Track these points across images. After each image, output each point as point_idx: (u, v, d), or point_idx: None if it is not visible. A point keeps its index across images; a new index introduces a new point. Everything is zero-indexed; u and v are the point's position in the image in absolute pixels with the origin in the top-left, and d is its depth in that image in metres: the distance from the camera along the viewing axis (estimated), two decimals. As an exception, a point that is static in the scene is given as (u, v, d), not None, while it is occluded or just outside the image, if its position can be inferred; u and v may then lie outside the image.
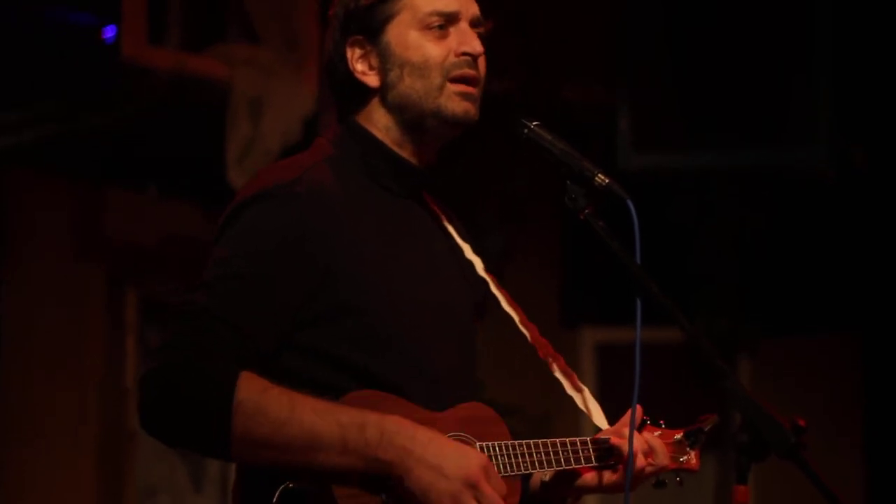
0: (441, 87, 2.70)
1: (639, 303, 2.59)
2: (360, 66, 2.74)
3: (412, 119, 2.73)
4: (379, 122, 2.75)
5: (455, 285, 2.80)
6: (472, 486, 2.50)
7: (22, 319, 6.59)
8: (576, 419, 6.72)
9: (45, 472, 6.57)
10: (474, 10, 2.77)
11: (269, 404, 2.46)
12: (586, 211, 2.65)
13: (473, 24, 2.76)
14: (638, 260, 2.58)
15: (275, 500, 2.49)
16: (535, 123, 2.73)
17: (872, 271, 7.48)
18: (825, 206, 7.34)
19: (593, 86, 7.18)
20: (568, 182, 2.68)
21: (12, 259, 6.59)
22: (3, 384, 6.53)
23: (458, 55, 2.71)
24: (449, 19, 2.73)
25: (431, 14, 2.72)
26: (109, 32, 5.88)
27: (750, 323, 7.61)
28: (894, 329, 7.54)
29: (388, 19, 2.72)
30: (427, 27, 2.72)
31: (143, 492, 7.03)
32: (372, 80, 2.74)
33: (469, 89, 2.72)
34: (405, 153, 2.76)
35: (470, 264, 2.86)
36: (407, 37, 2.71)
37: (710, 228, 7.39)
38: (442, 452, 2.49)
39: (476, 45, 2.73)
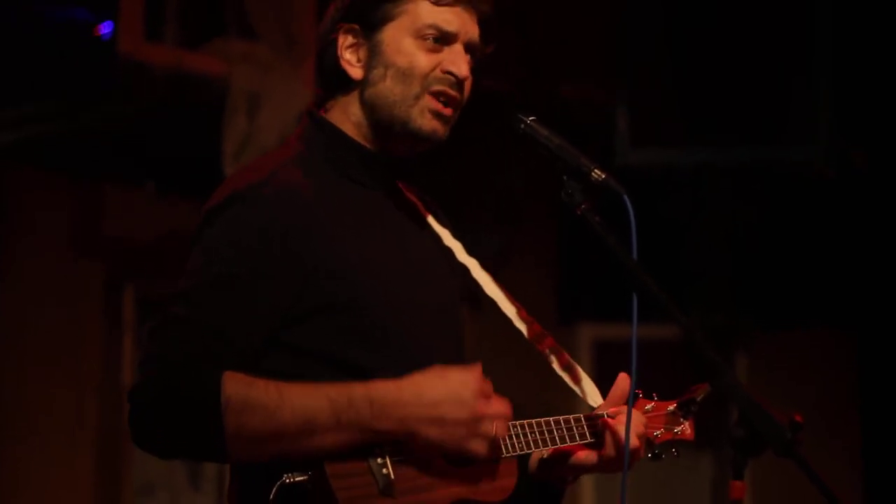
0: (418, 97, 2.71)
1: (635, 299, 2.59)
2: (347, 55, 2.75)
3: (381, 120, 2.73)
4: (353, 115, 2.75)
5: (437, 274, 2.80)
6: (479, 418, 2.52)
7: (19, 317, 6.58)
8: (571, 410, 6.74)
9: (41, 471, 6.56)
10: (473, 35, 2.77)
11: (257, 395, 2.46)
12: (583, 206, 2.66)
13: (469, 48, 2.76)
14: (634, 255, 2.58)
15: (271, 497, 2.49)
16: (531, 119, 2.74)
17: (867, 266, 7.49)
18: (821, 202, 7.34)
19: (592, 84, 7.17)
20: (564, 177, 2.68)
21: (10, 257, 6.58)
22: (0, 382, 6.52)
23: (443, 72, 2.72)
24: (445, 37, 2.73)
25: (430, 26, 2.72)
26: (106, 28, 5.87)
27: (745, 318, 7.62)
28: (889, 324, 7.54)
29: (387, 19, 2.73)
30: (422, 37, 2.72)
31: (140, 489, 7.02)
32: (356, 71, 2.74)
33: (444, 110, 2.72)
34: (373, 148, 2.75)
35: (449, 251, 2.86)
36: (401, 41, 2.72)
37: (707, 224, 7.39)
38: (434, 401, 2.51)
39: (463, 69, 2.73)
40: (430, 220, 2.87)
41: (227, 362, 2.49)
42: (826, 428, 7.26)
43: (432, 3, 2.72)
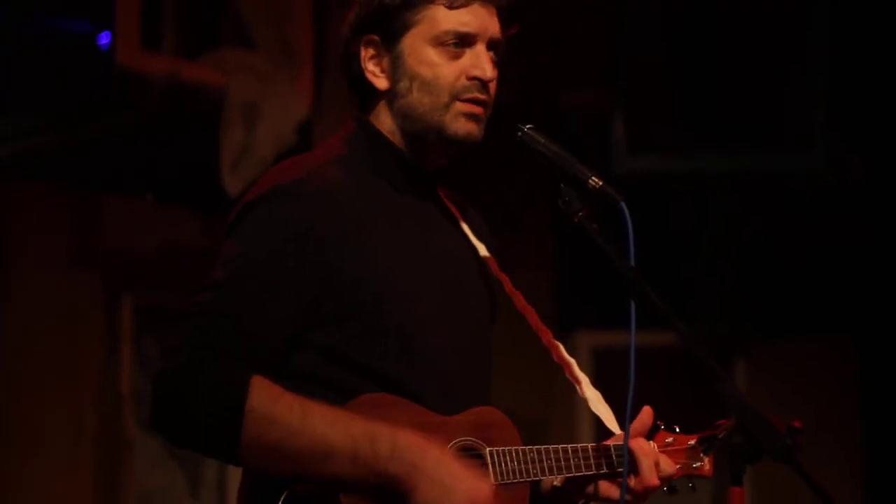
0: (448, 105, 2.70)
1: (632, 306, 2.58)
2: (371, 66, 2.75)
3: (415, 130, 2.73)
4: (385, 124, 2.76)
5: (470, 284, 2.80)
6: None
7: (18, 328, 6.58)
8: (572, 426, 6.72)
9: (41, 481, 6.55)
10: (494, 30, 2.76)
11: (281, 412, 2.46)
12: (580, 214, 2.65)
13: (491, 45, 2.75)
14: (632, 263, 2.58)
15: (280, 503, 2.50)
16: (528, 127, 2.73)
17: (869, 274, 7.48)
18: (821, 209, 7.35)
19: (589, 92, 7.17)
20: (561, 185, 2.67)
21: (8, 268, 6.58)
22: None
23: (468, 78, 2.71)
24: (465, 40, 2.72)
25: (448, 32, 2.71)
26: (104, 39, 5.87)
27: (746, 326, 7.61)
28: (890, 332, 7.54)
29: (406, 28, 2.72)
30: (442, 44, 2.71)
31: (140, 499, 7.01)
32: (381, 82, 2.74)
33: (476, 109, 2.72)
34: (412, 154, 2.76)
35: (485, 263, 2.85)
36: (421, 50, 2.71)
37: (706, 232, 7.38)
38: (451, 473, 2.50)
39: (487, 71, 2.72)
40: (468, 230, 2.85)
41: (253, 357, 2.49)
42: (827, 436, 7.25)
43: (447, 7, 2.71)
